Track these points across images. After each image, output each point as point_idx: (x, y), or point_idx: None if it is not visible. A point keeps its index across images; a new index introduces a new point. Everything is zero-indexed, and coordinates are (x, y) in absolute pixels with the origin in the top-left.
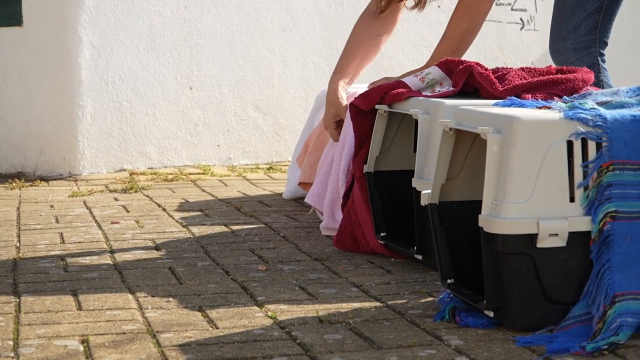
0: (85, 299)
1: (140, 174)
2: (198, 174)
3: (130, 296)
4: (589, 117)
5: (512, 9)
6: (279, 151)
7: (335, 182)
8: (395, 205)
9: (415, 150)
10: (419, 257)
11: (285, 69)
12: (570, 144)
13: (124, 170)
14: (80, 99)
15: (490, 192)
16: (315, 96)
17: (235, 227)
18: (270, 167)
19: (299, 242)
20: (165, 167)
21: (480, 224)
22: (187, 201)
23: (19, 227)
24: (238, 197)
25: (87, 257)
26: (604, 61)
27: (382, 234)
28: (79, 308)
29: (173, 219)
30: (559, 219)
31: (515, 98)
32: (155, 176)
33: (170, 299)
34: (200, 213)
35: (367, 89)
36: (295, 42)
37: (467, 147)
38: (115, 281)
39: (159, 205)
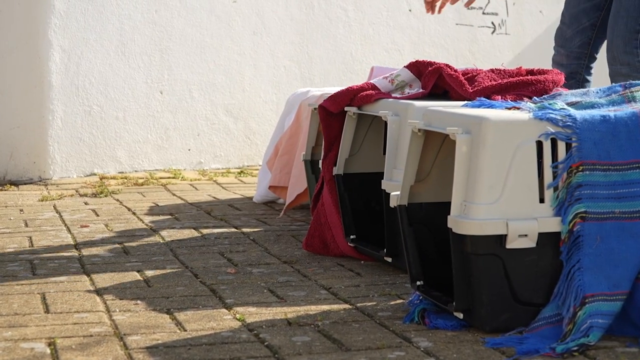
0: (53, 302)
1: (111, 178)
2: (169, 178)
3: (98, 299)
4: (559, 118)
5: (483, 13)
6: (250, 155)
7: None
8: (365, 207)
9: (385, 152)
10: (389, 259)
11: (256, 73)
12: (539, 145)
13: (95, 174)
14: (51, 103)
15: (459, 193)
16: (286, 100)
17: (205, 231)
18: (241, 172)
19: (268, 245)
20: (135, 171)
21: (449, 225)
22: (157, 205)
23: None
24: (208, 201)
25: (56, 261)
26: (589, 74)
27: (351, 237)
28: (47, 311)
29: (143, 222)
30: (528, 219)
31: (484, 99)
32: (125, 180)
33: (139, 301)
34: (170, 217)
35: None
36: (266, 46)
37: (437, 148)
38: (83, 284)
39: (129, 209)
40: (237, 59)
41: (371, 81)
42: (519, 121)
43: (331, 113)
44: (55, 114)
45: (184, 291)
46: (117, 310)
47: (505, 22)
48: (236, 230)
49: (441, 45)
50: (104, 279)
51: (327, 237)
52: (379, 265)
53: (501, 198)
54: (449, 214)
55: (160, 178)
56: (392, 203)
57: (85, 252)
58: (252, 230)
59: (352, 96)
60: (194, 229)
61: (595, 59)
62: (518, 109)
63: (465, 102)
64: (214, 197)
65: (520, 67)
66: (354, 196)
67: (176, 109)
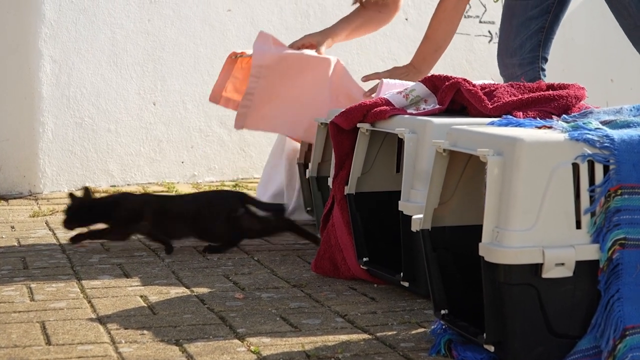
0: (54, 332)
1: (103, 192)
2: (162, 191)
3: (101, 328)
4: (596, 138)
5: (480, 22)
6: (244, 168)
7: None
8: (377, 228)
9: (398, 171)
10: (406, 284)
11: None
12: (575, 167)
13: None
14: (41, 115)
15: (491, 218)
16: None
17: None
18: (236, 184)
19: (274, 266)
20: (128, 184)
21: (480, 253)
22: None
23: None
24: None
25: (54, 284)
26: (544, 75)
27: (364, 259)
28: (48, 342)
29: (140, 241)
30: (565, 247)
31: (511, 117)
32: None
33: (145, 331)
34: None
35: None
36: None
37: (461, 169)
38: (84, 311)
39: None
40: None
41: (384, 96)
42: (554, 142)
43: (342, 130)
44: (46, 126)
45: (192, 319)
46: (123, 341)
47: None
48: (238, 249)
49: None
50: (106, 306)
51: (338, 258)
52: (392, 289)
53: (536, 224)
54: (476, 239)
55: (154, 191)
56: (415, 227)
57: (84, 274)
58: (255, 249)
59: (364, 112)
60: (195, 248)
61: (547, 60)
62: (549, 127)
63: (491, 119)
64: None
65: (540, 81)
66: (366, 216)
67: (169, 120)
